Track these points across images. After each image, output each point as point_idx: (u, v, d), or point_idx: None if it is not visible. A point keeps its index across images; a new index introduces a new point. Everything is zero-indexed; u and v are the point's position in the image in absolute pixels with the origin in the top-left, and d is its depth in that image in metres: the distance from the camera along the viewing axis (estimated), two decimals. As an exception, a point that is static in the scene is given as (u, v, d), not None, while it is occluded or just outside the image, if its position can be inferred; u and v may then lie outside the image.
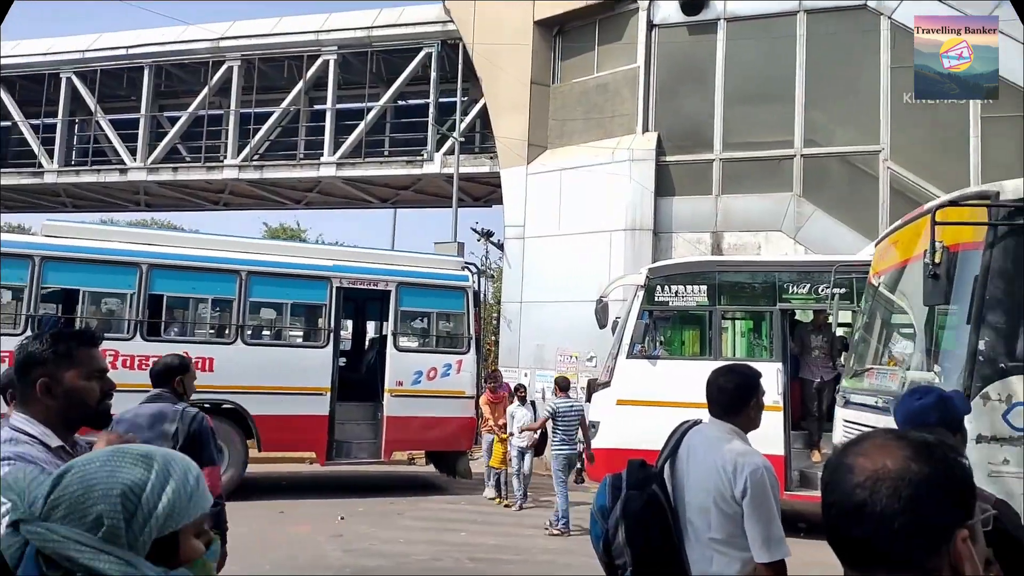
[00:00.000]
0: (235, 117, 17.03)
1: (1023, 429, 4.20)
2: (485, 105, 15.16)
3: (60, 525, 0.92)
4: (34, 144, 17.87)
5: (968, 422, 4.07)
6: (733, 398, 2.62)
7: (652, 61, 13.49)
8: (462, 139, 15.39)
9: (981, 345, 4.39)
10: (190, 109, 17.43)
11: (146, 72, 17.47)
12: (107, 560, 0.92)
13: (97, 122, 17.77)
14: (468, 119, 16.06)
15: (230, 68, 16.98)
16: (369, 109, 16.39)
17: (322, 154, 16.51)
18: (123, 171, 17.68)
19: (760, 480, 2.34)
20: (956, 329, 4.54)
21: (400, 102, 17.44)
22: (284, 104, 16.96)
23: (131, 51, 17.35)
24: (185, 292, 9.74)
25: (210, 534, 1.06)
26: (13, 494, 0.96)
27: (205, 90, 17.11)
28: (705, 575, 2.44)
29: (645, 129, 13.37)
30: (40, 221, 11.57)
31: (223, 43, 16.90)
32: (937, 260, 4.43)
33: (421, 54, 15.95)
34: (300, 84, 16.65)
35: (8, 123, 18.05)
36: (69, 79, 17.70)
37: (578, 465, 8.65)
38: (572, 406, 8.16)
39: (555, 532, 7.53)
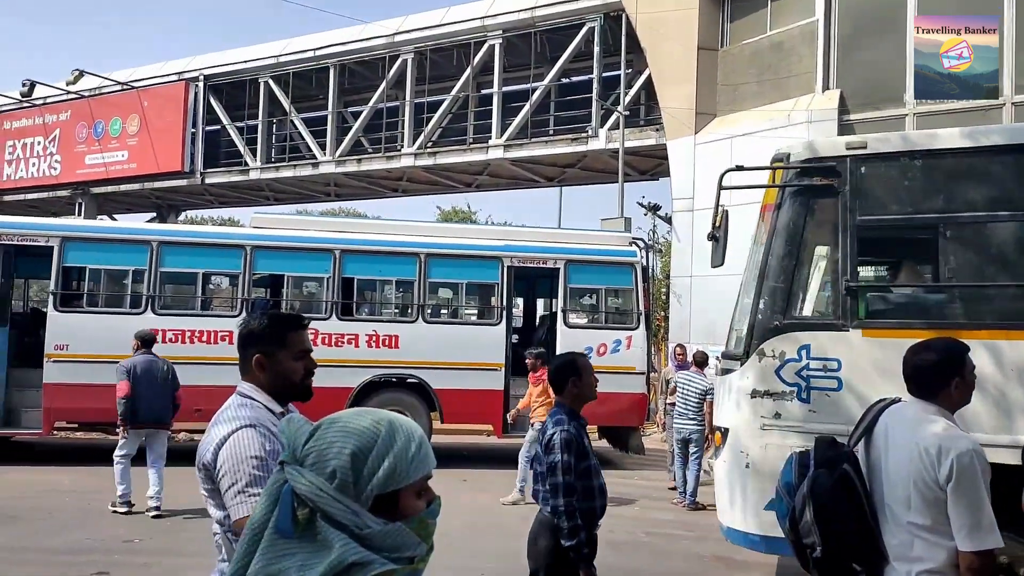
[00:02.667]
0: (410, 107, 17.97)
1: (793, 384, 4.38)
2: (650, 76, 14.86)
3: (307, 471, 1.11)
4: (240, 144, 19.92)
5: (744, 378, 4.56)
6: (933, 376, 2.47)
7: (832, 12, 12.55)
8: (626, 112, 15.22)
9: (761, 304, 4.56)
10: (370, 103, 18.60)
11: (331, 71, 18.85)
12: (338, 507, 1.09)
13: (291, 121, 19.47)
14: (632, 92, 15.84)
15: (404, 61, 17.90)
16: (534, 90, 16.64)
17: (490, 137, 17.01)
18: (315, 165, 19.27)
19: (968, 464, 2.19)
20: (750, 289, 4.71)
21: (564, 80, 17.53)
22: (454, 91, 17.63)
23: (317, 52, 18.79)
24: (372, 275, 10.54)
25: (432, 492, 1.20)
26: (284, 438, 1.17)
27: (383, 84, 18.17)
28: (905, 559, 2.33)
29: (826, 87, 12.50)
30: (247, 214, 12.97)
31: (397, 37, 17.84)
32: (717, 223, 4.67)
33: (584, 29, 15.91)
34: (468, 71, 17.22)
35: (218, 127, 20.23)
36: (266, 83, 19.50)
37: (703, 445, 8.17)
38: (691, 380, 7.90)
39: (682, 505, 7.46)
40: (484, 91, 17.88)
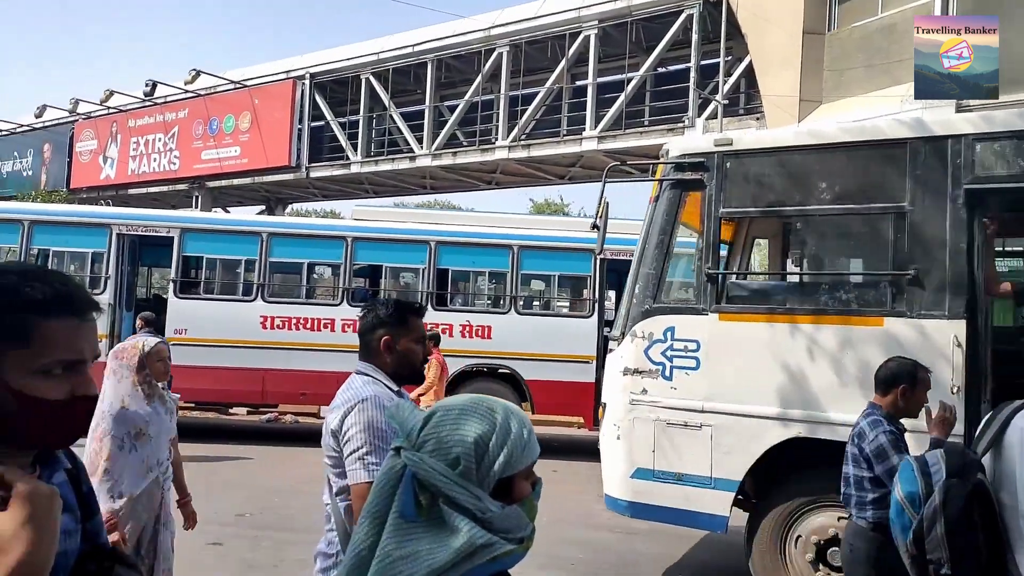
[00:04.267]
0: (504, 100, 18.11)
1: (659, 363, 4.74)
2: (750, 63, 14.39)
3: (428, 457, 1.16)
4: (342, 139, 20.63)
5: (619, 357, 4.89)
6: None
7: (951, -9, 11.77)
8: (725, 101, 14.79)
9: (637, 289, 4.93)
10: (466, 97, 18.86)
11: (429, 66, 19.23)
12: (462, 492, 1.14)
13: (390, 116, 20.00)
14: (732, 80, 15.39)
15: (499, 54, 18.04)
16: (629, 80, 16.43)
17: (584, 129, 16.93)
18: (412, 158, 19.73)
19: None
20: (632, 276, 5.08)
21: (660, 69, 17.21)
22: (548, 83, 17.64)
23: (416, 48, 19.20)
24: (466, 266, 10.75)
25: (535, 475, 1.25)
26: (396, 423, 1.23)
27: (478, 78, 18.39)
28: None
29: (941, 71, 11.74)
30: (348, 207, 13.42)
31: (493, 31, 17.99)
32: (599, 213, 5.02)
33: (682, 17, 15.57)
34: (563, 62, 17.18)
35: (322, 123, 21.02)
36: (368, 79, 20.10)
37: None
38: None
39: None
40: (578, 82, 17.80)
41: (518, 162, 18.60)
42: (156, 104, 23.07)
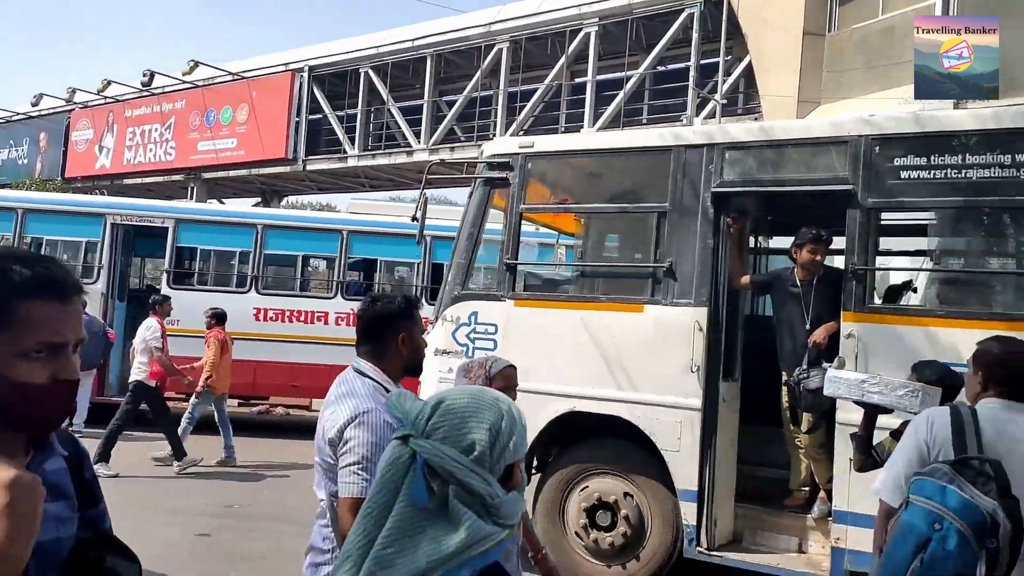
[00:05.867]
0: (503, 96, 18.06)
1: (463, 344, 5.21)
2: (750, 63, 14.38)
3: (441, 444, 1.17)
4: (340, 133, 20.57)
5: (432, 339, 5.23)
6: None
7: (952, -5, 11.77)
8: (724, 101, 14.78)
9: (450, 276, 5.41)
10: (465, 92, 18.81)
11: (428, 61, 19.17)
12: (475, 478, 1.15)
13: (388, 110, 19.94)
14: (731, 80, 15.37)
15: (499, 50, 17.99)
16: (628, 78, 16.40)
17: (582, 126, 16.89)
18: (409, 153, 19.67)
19: None
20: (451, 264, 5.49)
21: (660, 68, 17.19)
22: (547, 80, 17.60)
23: (416, 43, 19.14)
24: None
25: (522, 467, 1.30)
26: (399, 413, 1.23)
27: (477, 73, 18.33)
28: None
29: (941, 74, 11.75)
30: (344, 200, 13.40)
31: (494, 27, 17.93)
32: (418, 206, 5.46)
33: (683, 16, 15.54)
34: (562, 59, 17.14)
35: (320, 116, 20.96)
36: (366, 73, 20.03)
37: None
38: None
39: None
40: (578, 79, 17.77)
41: (516, 159, 18.52)
42: (153, 94, 22.97)
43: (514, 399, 2.74)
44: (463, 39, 18.59)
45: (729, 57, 15.44)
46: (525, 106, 17.69)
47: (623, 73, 16.59)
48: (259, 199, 24.80)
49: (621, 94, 16.34)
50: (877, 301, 4.83)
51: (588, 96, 16.77)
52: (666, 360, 4.69)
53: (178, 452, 7.83)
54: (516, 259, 5.28)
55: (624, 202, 5.45)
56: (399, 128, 19.92)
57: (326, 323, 9.95)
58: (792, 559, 4.58)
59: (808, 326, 4.69)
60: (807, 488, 4.97)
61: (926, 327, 4.22)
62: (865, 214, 4.39)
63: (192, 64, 21.80)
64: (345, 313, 9.70)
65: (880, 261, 5.41)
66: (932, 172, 4.32)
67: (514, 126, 17.76)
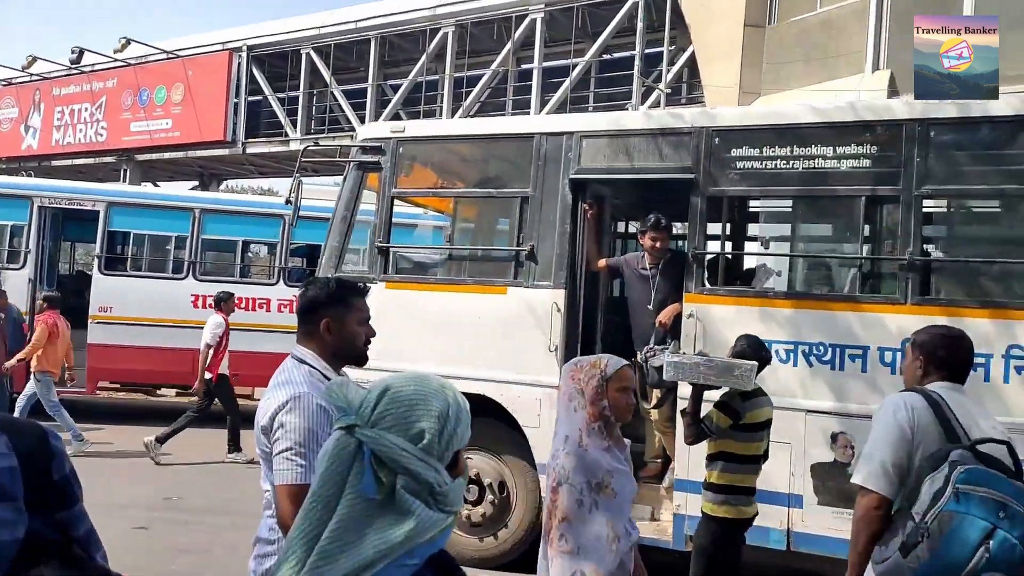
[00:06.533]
0: (449, 81, 17.90)
1: None
2: (693, 53, 14.58)
3: (387, 433, 1.14)
4: (281, 115, 20.08)
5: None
6: (970, 363, 2.62)
7: (885, -10, 12.15)
8: (668, 90, 14.97)
9: (323, 259, 5.53)
10: (410, 76, 18.57)
11: (372, 43, 18.84)
12: (424, 466, 1.13)
13: (331, 93, 19.55)
14: (675, 69, 15.56)
15: (445, 34, 17.80)
16: (574, 66, 16.44)
17: (528, 112, 16.87)
18: (353, 137, 19.32)
19: None
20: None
21: (605, 56, 17.28)
22: (493, 66, 17.51)
23: (359, 24, 18.78)
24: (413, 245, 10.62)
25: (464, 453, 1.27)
26: (340, 402, 1.19)
27: (423, 57, 18.11)
28: None
29: (876, 67, 12.13)
30: (286, 185, 13.08)
31: (439, 10, 17.72)
32: (292, 190, 5.66)
33: (628, 4, 15.64)
34: (508, 45, 17.07)
35: (260, 97, 20.42)
36: (308, 54, 19.58)
37: None
38: None
39: None
40: (524, 66, 17.73)
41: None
42: (83, 72, 22.01)
43: (629, 401, 2.55)
44: (408, 22, 18.32)
45: (673, 47, 15.62)
46: (472, 91, 17.57)
47: (569, 61, 16.62)
48: (196, 183, 24.06)
49: (567, 82, 16.37)
50: (718, 284, 5.10)
51: (534, 83, 16.75)
52: (527, 341, 4.87)
53: (234, 443, 8.03)
54: (388, 242, 5.41)
55: (491, 187, 5.63)
56: (343, 112, 19.56)
57: (268, 310, 9.74)
58: (643, 527, 4.79)
59: (654, 307, 4.94)
60: (659, 460, 5.22)
61: (761, 307, 4.54)
62: (705, 201, 4.67)
63: (124, 41, 20.96)
64: (288, 300, 9.51)
65: (750, 247, 5.93)
66: (765, 163, 4.63)
67: (460, 111, 17.63)
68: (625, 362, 2.62)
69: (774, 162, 4.60)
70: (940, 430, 2.37)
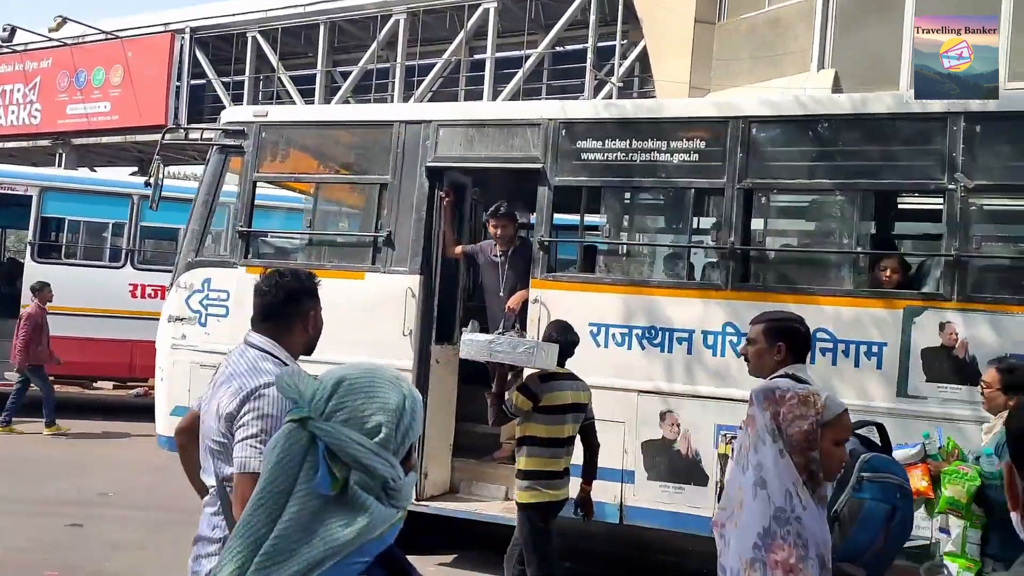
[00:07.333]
0: (401, 69, 17.67)
1: (196, 311, 5.33)
2: (645, 48, 14.69)
3: (343, 427, 1.09)
4: (225, 100, 19.54)
5: (167, 305, 5.55)
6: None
7: (831, -10, 12.44)
8: (620, 84, 15.06)
9: (185, 243, 5.56)
10: (360, 63, 18.27)
11: (321, 29, 18.47)
12: (380, 461, 1.09)
13: (279, 78, 19.10)
14: (627, 63, 15.66)
15: (396, 22, 17.56)
16: (527, 57, 16.41)
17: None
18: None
19: None
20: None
21: (558, 48, 17.30)
22: (446, 55, 17.35)
23: (307, 8, 18.38)
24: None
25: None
26: (294, 393, 1.13)
27: (374, 45, 17.84)
28: None
29: (821, 66, 12.41)
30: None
31: (390, -3, 17.48)
32: (151, 172, 5.73)
33: (580, -3, 15.67)
34: (461, 34, 16.93)
35: (203, 81, 19.84)
36: (254, 38, 19.09)
37: None
38: None
39: None
40: (477, 56, 17.61)
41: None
42: (15, 52, 21.04)
43: (843, 457, 2.18)
44: (358, 7, 18.01)
45: (625, 41, 15.72)
46: (423, 80, 17.39)
47: (523, 52, 16.58)
48: (136, 168, 23.29)
49: (520, 72, 16.33)
50: (561, 271, 5.30)
51: (487, 73, 16.66)
52: (383, 325, 4.93)
53: None
54: (249, 226, 5.45)
55: (351, 173, 5.77)
56: (290, 97, 19.15)
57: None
58: (494, 506, 5.04)
59: (504, 293, 5.15)
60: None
61: (599, 293, 4.77)
62: (552, 191, 4.84)
63: (59, 20, 20.10)
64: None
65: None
66: (607, 155, 4.85)
67: (412, 100, 17.44)
68: (844, 404, 2.23)
69: (615, 154, 4.80)
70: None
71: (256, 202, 5.57)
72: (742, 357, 2.80)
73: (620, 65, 15.37)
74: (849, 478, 2.33)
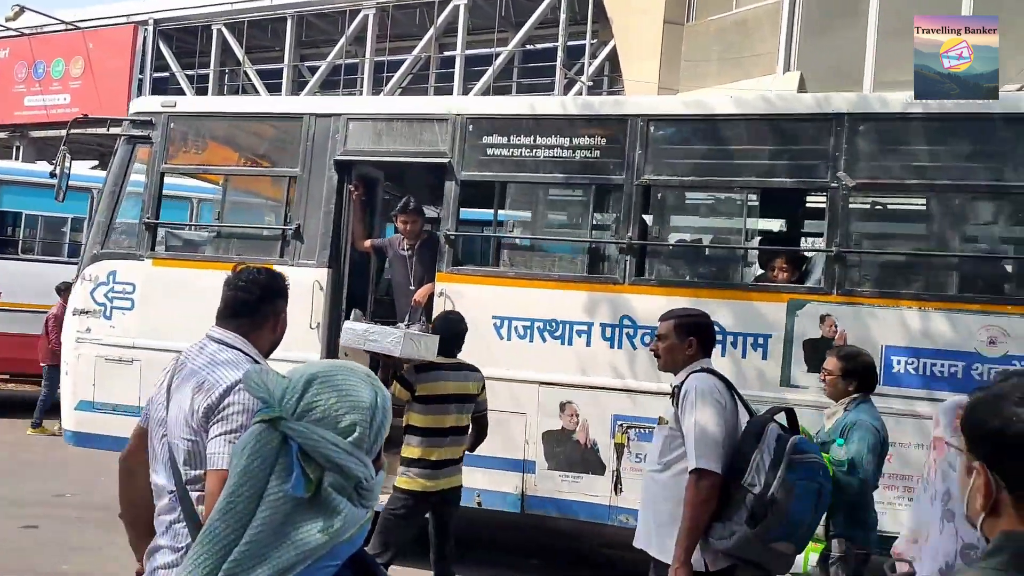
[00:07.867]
0: (370, 65, 17.53)
1: (101, 304, 5.29)
2: (615, 48, 14.75)
3: (316, 427, 1.05)
4: (189, 93, 19.19)
5: (76, 298, 5.42)
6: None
7: (798, -7, 12.61)
8: (590, 83, 15.12)
9: (91, 236, 5.53)
10: (328, 58, 18.08)
11: (289, 23, 18.23)
12: (354, 461, 1.06)
13: (245, 72, 18.83)
14: (596, 63, 15.72)
15: (365, 16, 17.41)
16: (497, 55, 16.38)
17: (451, 100, 16.74)
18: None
19: None
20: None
21: (528, 46, 17.30)
22: (415, 52, 17.24)
23: (275, 2, 18.13)
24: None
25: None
26: (263, 392, 1.09)
27: (342, 39, 17.66)
28: None
29: (787, 68, 12.58)
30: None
31: (359, -9, 17.32)
32: (57, 162, 5.62)
33: (550, -5, 15.69)
34: (431, 30, 16.85)
35: (167, 74, 19.46)
36: (219, 30, 18.78)
37: None
38: None
39: None
40: (447, 53, 17.54)
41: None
42: (-31, 40, 20.44)
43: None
44: (327, 1, 17.82)
45: (595, 40, 15.78)
46: (392, 76, 17.26)
47: (493, 49, 16.55)
48: (96, 162, 22.78)
49: (490, 70, 16.30)
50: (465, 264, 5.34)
51: (457, 70, 16.60)
52: (291, 318, 4.85)
53: None
54: (157, 218, 5.40)
55: (261, 165, 5.74)
56: (256, 92, 18.88)
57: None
58: None
59: (414, 287, 5.19)
60: None
61: (502, 287, 4.85)
62: (459, 185, 4.89)
63: (17, 9, 19.55)
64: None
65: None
66: (511, 150, 4.92)
67: (381, 96, 17.31)
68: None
69: (520, 150, 4.87)
70: (738, 406, 2.71)
71: (188, 193, 5.62)
72: (651, 352, 2.94)
73: (590, 64, 15.42)
74: (780, 460, 2.46)
